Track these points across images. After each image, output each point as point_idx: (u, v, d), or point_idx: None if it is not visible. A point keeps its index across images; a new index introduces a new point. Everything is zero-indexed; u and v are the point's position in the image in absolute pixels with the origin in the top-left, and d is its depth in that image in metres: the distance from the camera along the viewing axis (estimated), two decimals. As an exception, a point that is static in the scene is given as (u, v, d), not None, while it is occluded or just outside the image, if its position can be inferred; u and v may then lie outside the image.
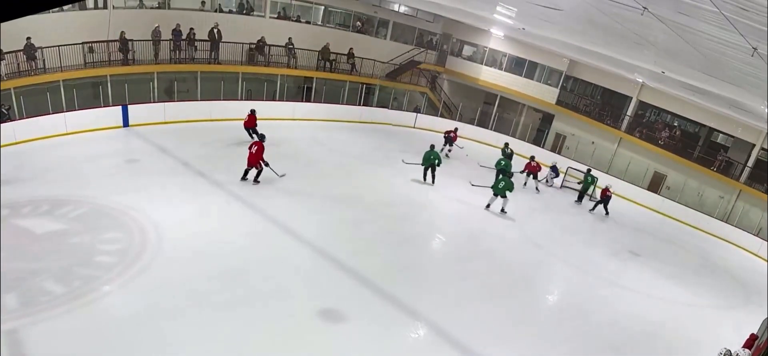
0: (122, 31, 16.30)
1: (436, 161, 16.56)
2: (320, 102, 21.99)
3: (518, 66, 25.25)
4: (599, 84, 24.46)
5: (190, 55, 18.27)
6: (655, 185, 22.37)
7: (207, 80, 19.20)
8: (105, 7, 16.53)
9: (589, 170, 19.73)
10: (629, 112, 23.41)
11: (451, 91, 27.18)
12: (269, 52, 20.25)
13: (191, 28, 18.06)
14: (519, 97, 25.50)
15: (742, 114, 17.49)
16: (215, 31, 18.38)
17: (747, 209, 20.29)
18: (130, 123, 16.09)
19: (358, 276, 10.11)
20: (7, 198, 10.16)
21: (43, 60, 14.81)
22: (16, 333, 6.89)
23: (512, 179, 15.73)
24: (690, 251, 17.50)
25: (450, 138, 20.69)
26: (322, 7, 23.01)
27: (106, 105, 16.00)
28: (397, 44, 24.83)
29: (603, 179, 19.84)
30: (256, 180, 13.45)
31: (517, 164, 19.23)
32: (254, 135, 16.63)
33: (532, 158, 19.47)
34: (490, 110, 26.19)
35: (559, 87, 24.52)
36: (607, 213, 18.25)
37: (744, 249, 19.14)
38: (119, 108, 15.93)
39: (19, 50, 14.09)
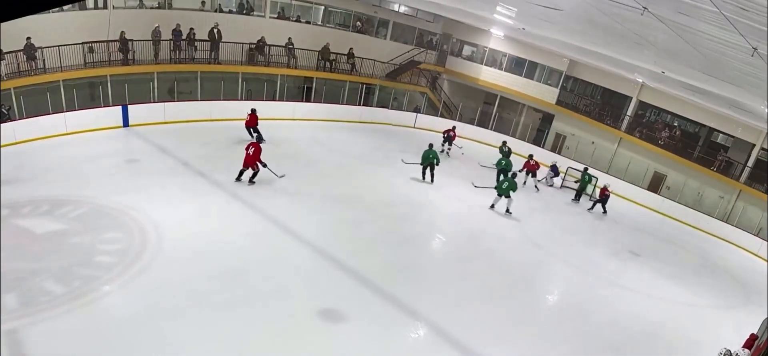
0: (122, 31, 16.30)
1: (435, 160, 16.61)
2: (320, 102, 21.99)
3: (518, 66, 25.25)
4: (599, 84, 24.47)
5: (190, 55, 18.28)
6: (655, 185, 22.37)
7: (207, 80, 19.21)
8: (105, 7, 16.53)
9: (585, 169, 19.75)
10: (629, 112, 23.41)
11: (451, 91, 27.19)
12: (269, 52, 20.25)
13: (191, 28, 18.06)
14: (519, 97, 25.50)
15: (742, 114, 17.49)
16: (215, 31, 18.38)
17: (747, 209, 20.28)
18: (130, 123, 16.09)
19: (358, 276, 10.11)
20: (7, 198, 10.16)
21: (43, 60, 14.81)
22: (16, 333, 6.89)
23: (515, 179, 15.76)
24: (690, 251, 17.50)
25: (450, 137, 20.74)
26: (322, 7, 23.01)
27: (106, 105, 16.00)
28: (397, 44, 24.83)
29: (602, 179, 19.83)
30: (251, 181, 13.39)
31: (516, 163, 19.22)
32: (255, 134, 16.67)
33: (531, 156, 19.50)
34: (490, 109, 26.19)
35: (559, 87, 24.52)
36: (604, 212, 18.28)
37: (744, 249, 19.14)
38: (119, 108, 15.93)
39: (19, 50, 14.09)
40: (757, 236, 19.30)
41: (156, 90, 17.61)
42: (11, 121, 13.57)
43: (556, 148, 24.68)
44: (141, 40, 16.81)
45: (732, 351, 9.13)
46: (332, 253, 10.76)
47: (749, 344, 9.67)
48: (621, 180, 21.75)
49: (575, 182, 19.81)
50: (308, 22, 22.34)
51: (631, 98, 23.28)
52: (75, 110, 15.18)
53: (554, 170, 20.36)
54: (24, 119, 13.90)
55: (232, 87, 19.55)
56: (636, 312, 11.54)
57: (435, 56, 26.32)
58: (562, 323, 10.50)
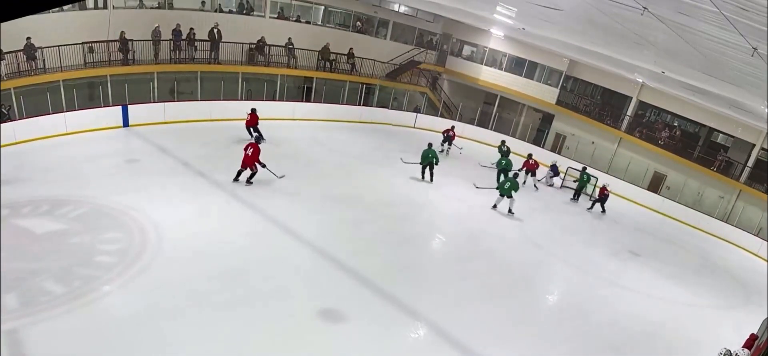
0: (122, 31, 16.30)
1: (434, 160, 16.65)
2: (320, 102, 21.99)
3: (518, 66, 25.25)
4: (599, 84, 24.47)
5: (190, 55, 18.28)
6: (655, 185, 22.37)
7: (207, 80, 19.21)
8: (105, 7, 16.53)
9: (584, 168, 19.75)
10: (629, 112, 23.41)
11: (451, 91, 27.19)
12: (269, 52, 20.25)
13: (191, 28, 18.06)
14: (519, 97, 25.50)
15: (742, 114, 17.49)
16: (215, 31, 18.38)
17: (747, 209, 20.28)
18: (130, 123, 16.09)
19: (358, 276, 10.11)
20: (7, 198, 10.16)
21: (43, 60, 14.81)
22: (16, 333, 6.89)
23: (517, 179, 15.77)
24: (690, 251, 17.50)
25: (449, 137, 20.79)
26: (322, 7, 23.01)
27: (106, 105, 16.00)
28: (397, 44, 24.83)
29: (602, 179, 19.83)
30: (248, 182, 13.32)
31: (515, 163, 19.22)
32: (255, 133, 16.66)
33: (530, 155, 19.51)
34: (490, 109, 26.19)
35: (559, 87, 24.52)
36: (603, 211, 18.31)
37: (744, 249, 19.14)
38: (119, 108, 15.93)
39: (19, 50, 14.08)
40: (757, 236, 19.30)
41: (156, 90, 17.61)
42: (11, 121, 13.57)
43: (556, 148, 24.68)
44: (141, 40, 16.81)
45: (732, 351, 9.13)
46: (332, 253, 10.76)
47: (749, 344, 9.67)
48: (621, 180, 21.75)
49: (574, 181, 19.83)
50: (308, 22, 22.34)
51: (631, 98, 23.27)
52: (75, 110, 15.18)
53: (554, 169, 20.37)
54: (24, 119, 13.90)
55: (232, 87, 19.55)
56: (636, 312, 11.54)
57: (435, 56, 26.32)
58: (562, 323, 10.50)
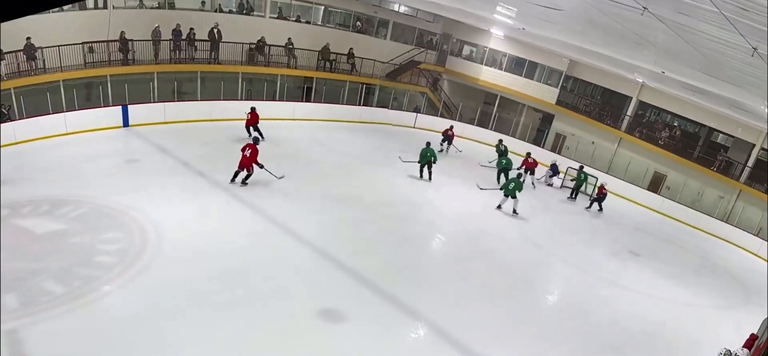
0: (122, 31, 16.30)
1: (433, 158, 16.69)
2: (320, 102, 22.00)
3: (518, 66, 25.25)
4: (599, 84, 24.46)
5: (190, 55, 18.28)
6: (655, 185, 22.37)
7: (207, 80, 19.22)
8: (105, 7, 16.53)
9: (581, 167, 19.75)
10: (629, 112, 23.41)
11: (451, 91, 27.19)
12: (269, 52, 20.25)
13: (191, 28, 18.06)
14: (519, 97, 25.50)
15: (742, 114, 17.50)
16: (215, 31, 18.38)
17: (747, 209, 20.28)
18: (130, 123, 16.09)
19: (358, 276, 10.11)
20: (7, 198, 10.16)
21: (43, 60, 14.81)
22: (16, 333, 6.89)
23: (520, 179, 15.82)
24: (690, 251, 17.50)
25: (449, 136, 20.82)
26: (322, 7, 23.00)
27: (106, 105, 16.00)
28: (397, 44, 24.83)
29: (601, 179, 19.85)
30: (244, 183, 13.20)
31: (514, 161, 19.24)
32: (256, 132, 16.68)
33: (529, 154, 19.54)
34: (490, 110, 26.18)
35: (559, 87, 24.52)
36: (600, 209, 18.35)
37: (744, 249, 19.14)
38: (119, 108, 15.93)
39: (19, 50, 14.08)
40: (757, 236, 19.30)
41: (156, 90, 17.61)
42: (11, 121, 13.57)
43: (556, 148, 24.68)
44: (141, 40, 16.81)
45: (732, 351, 9.13)
46: (332, 253, 10.76)
47: (749, 344, 9.67)
48: (621, 180, 21.76)
49: (571, 180, 19.88)
50: (308, 22, 22.35)
51: (631, 98, 23.27)
52: (75, 110, 15.19)
53: (554, 169, 20.37)
54: (24, 119, 13.90)
55: (232, 87, 19.55)
56: (636, 312, 11.54)
57: (435, 56, 26.33)
58: (562, 323, 10.50)
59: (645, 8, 6.26)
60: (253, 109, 16.94)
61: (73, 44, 15.26)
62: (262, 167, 13.24)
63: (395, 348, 8.50)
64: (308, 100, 22.02)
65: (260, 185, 13.44)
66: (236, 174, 13.14)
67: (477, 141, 23.91)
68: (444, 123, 23.17)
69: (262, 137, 16.43)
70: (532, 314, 10.68)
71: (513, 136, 24.36)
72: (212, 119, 18.01)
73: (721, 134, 22.49)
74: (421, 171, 16.90)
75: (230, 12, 20.55)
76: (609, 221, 17.95)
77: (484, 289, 10.94)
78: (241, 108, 17.41)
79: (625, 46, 11.92)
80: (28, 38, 14.05)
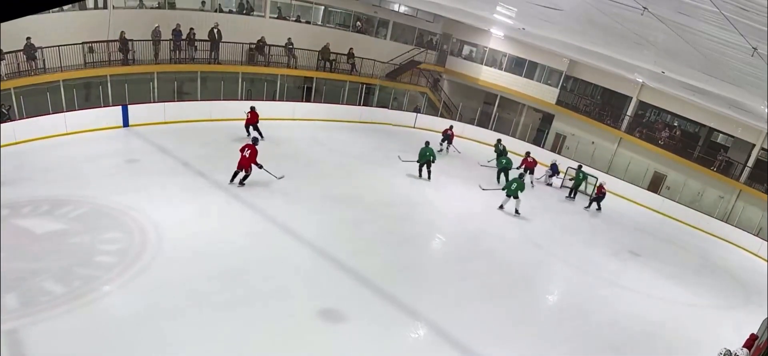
0: (122, 31, 16.30)
1: (432, 158, 16.71)
2: (320, 102, 22.00)
3: (518, 66, 25.26)
4: (599, 84, 24.46)
5: (190, 55, 18.28)
6: (655, 185, 22.37)
7: (207, 80, 19.22)
8: (105, 7, 16.53)
9: (580, 166, 19.76)
10: (629, 112, 23.41)
11: (451, 91, 27.19)
12: (269, 52, 20.25)
13: (191, 28, 18.06)
14: (519, 97, 25.50)
15: (742, 114, 17.50)
16: (215, 31, 18.38)
17: (747, 209, 20.28)
18: (130, 123, 16.09)
19: (358, 276, 10.11)
20: (7, 198, 10.16)
21: (43, 60, 14.81)
22: (16, 333, 6.89)
23: (523, 180, 15.91)
24: (690, 251, 17.50)
25: (448, 136, 20.86)
26: (322, 7, 23.01)
27: (106, 105, 16.00)
28: (397, 44, 24.84)
29: (600, 178, 19.87)
30: (241, 183, 13.10)
31: (513, 160, 19.27)
32: (255, 131, 16.69)
33: (528, 153, 19.56)
34: (490, 110, 26.20)
35: (559, 87, 24.52)
36: (599, 209, 18.36)
37: (744, 249, 19.14)
38: (119, 108, 15.93)
39: (19, 50, 14.09)
40: (757, 236, 19.30)
41: (156, 90, 17.61)
42: (11, 121, 13.57)
43: (556, 148, 24.69)
44: (141, 40, 16.81)
45: (732, 351, 9.13)
46: (332, 253, 10.76)
47: (749, 344, 9.67)
48: (621, 180, 21.77)
49: (569, 179, 19.90)
50: (308, 22, 22.34)
51: (631, 98, 23.27)
52: (75, 110, 15.19)
53: (554, 169, 20.38)
54: (24, 119, 13.90)
55: (232, 87, 19.56)
56: (636, 312, 11.54)
57: (435, 56, 26.33)
58: (562, 323, 10.50)
59: (645, 8, 6.26)
60: (252, 108, 16.95)
61: (73, 44, 15.26)
62: (260, 167, 13.21)
63: (395, 348, 8.50)
64: (308, 100, 22.02)
65: (260, 185, 13.43)
66: (235, 175, 13.10)
67: (477, 141, 23.91)
68: (444, 123, 23.19)
69: (262, 137, 16.45)
70: (532, 314, 10.68)
71: (513, 136, 24.37)
72: (212, 119, 18.01)
73: (721, 134, 22.50)
74: (420, 170, 16.93)
75: (230, 12, 20.55)
76: (609, 221, 17.95)
77: (484, 289, 10.94)
78: (241, 108, 17.42)
79: (625, 46, 11.92)
80: (28, 38, 14.06)
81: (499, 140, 20.94)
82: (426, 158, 16.73)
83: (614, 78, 23.08)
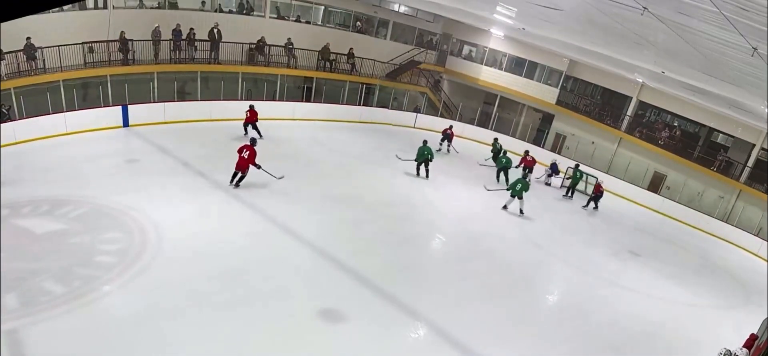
0: (122, 31, 16.30)
1: (430, 156, 16.76)
2: (320, 102, 22.00)
3: (518, 66, 25.26)
4: (599, 84, 24.46)
5: (190, 55, 18.28)
6: (655, 185, 22.37)
7: (207, 80, 19.22)
8: (105, 7, 16.53)
9: (577, 165, 19.76)
10: (629, 112, 23.41)
11: (451, 91, 27.20)
12: (269, 52, 20.25)
13: (191, 28, 18.06)
14: (519, 97, 25.50)
15: (742, 114, 17.49)
16: (215, 31, 18.39)
17: (747, 209, 20.28)
18: (130, 123, 16.09)
19: (358, 276, 10.11)
20: (7, 198, 10.16)
21: (43, 60, 14.81)
22: (16, 333, 6.89)
23: (527, 180, 15.95)
24: (690, 251, 17.50)
25: (448, 135, 20.89)
26: (322, 7, 23.01)
27: (106, 105, 16.00)
28: (397, 44, 24.84)
29: (600, 178, 19.89)
30: (237, 184, 12.94)
31: (512, 160, 19.30)
32: (254, 130, 16.68)
33: (527, 152, 19.59)
34: (490, 109, 26.21)
35: (559, 87, 24.52)
36: (596, 208, 18.38)
37: (744, 249, 19.14)
38: (119, 108, 15.93)
39: (19, 50, 14.09)
40: (757, 236, 19.30)
41: (156, 90, 17.61)
42: (11, 121, 13.57)
43: (556, 148, 24.69)
44: (141, 40, 16.81)
45: (732, 351, 9.13)
46: (332, 253, 10.76)
47: (749, 344, 9.67)
48: (621, 180, 21.77)
49: (567, 178, 19.92)
50: (308, 22, 22.34)
51: (631, 98, 23.27)
52: (75, 110, 15.19)
53: (554, 168, 20.38)
54: (24, 119, 13.90)
55: (232, 87, 19.56)
56: (636, 312, 11.53)
57: (435, 56, 26.33)
58: (562, 323, 10.50)
59: (645, 8, 6.26)
60: (251, 106, 16.97)
61: (73, 44, 15.26)
62: (259, 167, 13.11)
63: (395, 348, 8.50)
64: (308, 100, 22.02)
65: (260, 185, 13.43)
66: (235, 175, 12.96)
67: (477, 141, 23.91)
68: (444, 123, 23.20)
69: (260, 136, 16.47)
70: (532, 314, 10.68)
71: (513, 136, 24.40)
72: (212, 119, 18.01)
73: (721, 134, 22.50)
74: (418, 169, 16.96)
75: (230, 12, 20.55)
76: (609, 221, 17.95)
77: (484, 289, 10.94)
78: (241, 108, 17.43)
79: (625, 46, 11.92)
80: (28, 38, 14.06)
81: (496, 140, 20.97)
82: (424, 157, 16.78)
83: (614, 78, 23.08)
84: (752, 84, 9.23)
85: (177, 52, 17.89)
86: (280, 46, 20.49)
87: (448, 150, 20.93)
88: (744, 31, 5.51)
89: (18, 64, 14.27)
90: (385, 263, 11.06)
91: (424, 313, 9.37)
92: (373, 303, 9.37)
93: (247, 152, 12.92)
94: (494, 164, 19.70)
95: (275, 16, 21.46)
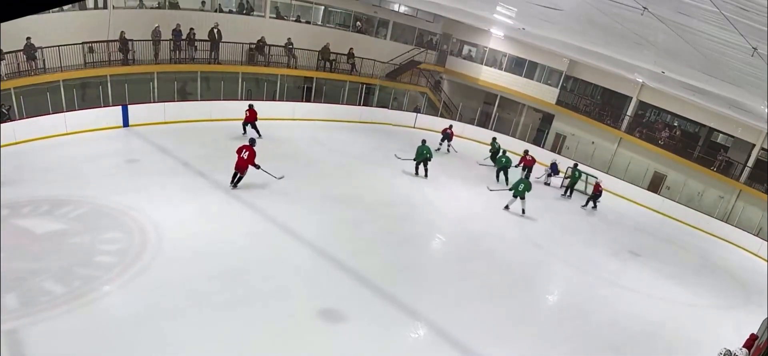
0: (122, 31, 16.30)
1: (428, 155, 16.81)
2: (320, 102, 22.00)
3: (518, 66, 25.26)
4: (599, 84, 24.46)
5: (190, 55, 18.28)
6: (655, 185, 22.37)
7: (207, 80, 19.22)
8: (105, 7, 16.53)
9: (575, 165, 19.76)
10: (629, 112, 23.41)
11: (451, 91, 27.21)
12: (269, 52, 20.25)
13: (191, 28, 18.06)
14: (519, 97, 25.50)
15: (742, 114, 17.49)
16: (215, 31, 18.38)
17: (747, 209, 20.28)
18: (130, 123, 16.09)
19: (358, 276, 10.11)
20: (7, 198, 10.16)
21: (43, 60, 14.81)
22: (16, 333, 6.89)
23: (529, 179, 15.96)
24: (690, 251, 17.50)
25: (448, 135, 20.91)
26: (322, 7, 23.01)
27: (106, 105, 15.99)
28: (397, 44, 24.84)
29: (598, 177, 19.92)
30: (235, 185, 12.86)
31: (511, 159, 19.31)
32: (253, 129, 16.67)
33: (526, 152, 19.60)
34: (490, 110, 26.21)
35: (559, 87, 24.52)
36: (594, 207, 18.38)
37: (744, 249, 19.14)
38: (119, 108, 15.93)
39: (19, 50, 14.09)
40: (757, 236, 19.30)
41: (156, 90, 17.61)
42: (11, 121, 13.57)
43: (556, 148, 24.69)
44: (141, 40, 16.81)
45: (732, 351, 9.13)
46: (332, 253, 10.76)
47: (749, 344, 9.67)
48: (621, 180, 21.77)
49: (565, 177, 19.93)
50: (308, 22, 22.34)
51: (631, 98, 23.27)
52: (75, 110, 15.19)
53: (553, 168, 20.38)
54: (24, 119, 13.90)
55: (232, 87, 19.56)
56: (636, 312, 11.53)
57: (435, 56, 26.33)
58: (562, 323, 10.50)
59: (645, 8, 6.26)
60: (250, 106, 16.97)
61: (73, 44, 15.26)
62: (258, 167, 13.04)
63: (395, 348, 8.50)
64: (308, 100, 22.02)
65: (260, 185, 13.43)
66: (235, 176, 12.87)
67: (477, 141, 23.91)
68: (444, 123, 23.21)
69: (259, 135, 16.47)
70: (532, 314, 10.68)
71: (513, 136, 24.39)
72: (212, 119, 18.01)
73: (721, 134, 22.50)
74: (417, 168, 16.97)
75: (230, 12, 20.55)
76: (609, 221, 17.95)
77: (484, 289, 10.94)
78: (241, 108, 17.44)
79: (625, 46, 11.92)
80: (28, 38, 14.06)
81: (494, 139, 20.98)
82: (423, 156, 16.81)
83: (614, 78, 23.08)
84: (752, 84, 9.23)
85: (177, 52, 17.89)
86: (280, 46, 20.49)
87: (448, 150, 20.96)
88: (744, 31, 5.51)
89: (18, 64, 14.26)
90: (385, 263, 11.06)
91: (424, 313, 9.37)
92: (373, 303, 9.37)
93: (247, 153, 12.85)
94: (492, 164, 19.74)
95: (275, 16, 21.46)
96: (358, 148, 19.04)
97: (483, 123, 25.16)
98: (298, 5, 22.09)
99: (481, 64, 25.89)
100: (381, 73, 23.86)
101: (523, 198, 15.51)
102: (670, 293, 13.16)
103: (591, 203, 18.52)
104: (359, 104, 23.41)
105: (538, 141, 24.56)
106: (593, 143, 23.51)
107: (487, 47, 25.56)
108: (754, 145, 20.73)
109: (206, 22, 18.49)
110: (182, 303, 8.24)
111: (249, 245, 10.48)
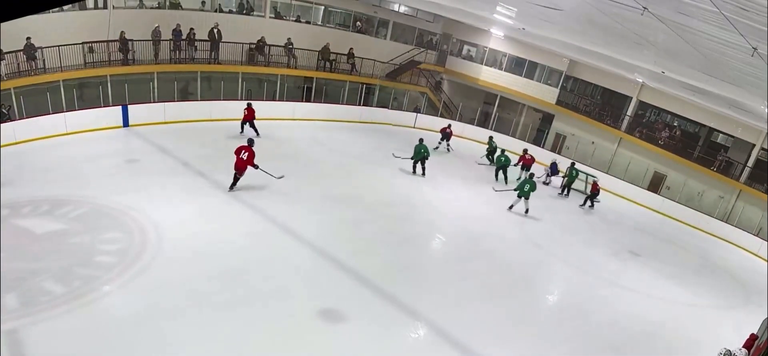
0: (122, 31, 16.30)
1: (426, 154, 16.92)
2: (320, 102, 22.00)
3: (518, 66, 25.26)
4: (599, 84, 24.47)
5: (190, 55, 18.28)
6: (655, 185, 22.37)
7: (207, 80, 19.23)
8: (105, 7, 16.53)
9: (572, 164, 19.76)
10: (629, 112, 23.41)
11: (451, 91, 27.21)
12: (269, 52, 20.25)
13: (191, 28, 18.06)
14: (519, 97, 25.50)
15: (742, 114, 17.49)
16: (215, 31, 18.39)
17: (747, 209, 20.28)
18: (130, 123, 16.09)
19: (358, 276, 10.11)
20: (7, 198, 10.16)
21: (43, 60, 14.82)
22: (16, 333, 6.89)
23: (533, 179, 16.07)
24: (690, 251, 17.50)
25: (447, 134, 20.92)
26: (322, 7, 23.01)
27: (106, 105, 16.00)
28: (397, 44, 24.84)
29: (597, 176, 19.93)
30: (231, 187, 12.76)
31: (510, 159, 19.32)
32: (251, 128, 16.66)
33: (526, 151, 19.62)
34: (490, 109, 26.21)
35: (559, 87, 24.52)
36: (592, 206, 18.38)
37: (744, 249, 19.14)
38: (119, 108, 15.93)
39: (19, 50, 14.09)
40: (757, 236, 19.30)
41: (156, 90, 17.62)
42: (11, 121, 13.57)
43: (556, 148, 24.69)
44: (141, 40, 16.81)
45: (732, 351, 9.13)
46: (332, 253, 10.76)
47: (749, 344, 9.68)
48: (621, 180, 21.77)
49: (563, 176, 19.95)
50: (308, 22, 22.35)
51: (631, 98, 23.27)
52: (75, 110, 15.20)
53: (553, 168, 20.38)
54: (24, 119, 13.90)
55: (232, 87, 19.56)
56: (636, 312, 11.53)
57: (435, 56, 26.33)
58: (562, 323, 10.50)
59: (645, 8, 6.26)
60: (249, 105, 16.98)
61: (73, 44, 15.26)
62: (257, 167, 12.93)
63: (395, 348, 8.50)
64: (308, 100, 22.03)
65: (260, 185, 13.42)
66: (235, 179, 12.71)
67: (477, 141, 23.90)
68: (443, 123, 23.20)
69: (257, 134, 16.47)
70: (532, 314, 10.67)
71: (513, 136, 24.39)
72: (212, 119, 18.02)
73: (721, 134, 22.50)
74: (415, 167, 17.00)
75: (230, 12, 20.56)
76: (609, 221, 17.95)
77: (484, 289, 10.94)
78: (241, 108, 17.44)
79: (625, 46, 11.92)
80: (28, 38, 14.06)
81: (491, 138, 20.99)
82: (421, 155, 16.87)
83: (614, 78, 23.08)
84: (752, 84, 9.23)
85: (177, 52, 17.89)
86: (280, 46, 20.49)
87: (448, 149, 20.97)
88: (744, 31, 5.51)
89: (18, 64, 14.27)
90: (385, 263, 11.06)
91: (424, 313, 9.37)
92: (373, 303, 9.37)
93: (246, 153, 12.71)
94: (489, 163, 19.78)
95: (275, 16, 21.46)
96: (358, 148, 19.04)
97: (483, 123, 25.16)
98: (298, 5, 22.09)
99: (481, 64, 25.89)
100: (381, 74, 23.86)
101: (527, 199, 15.52)
102: (670, 293, 13.16)
103: (588, 202, 18.53)
104: (359, 104, 23.41)
105: (538, 141, 24.56)
106: (593, 143, 23.51)
107: (487, 47, 25.56)
108: (754, 145, 20.73)
109: (206, 22, 18.49)
110: (182, 303, 8.24)
111: (249, 246, 10.47)
